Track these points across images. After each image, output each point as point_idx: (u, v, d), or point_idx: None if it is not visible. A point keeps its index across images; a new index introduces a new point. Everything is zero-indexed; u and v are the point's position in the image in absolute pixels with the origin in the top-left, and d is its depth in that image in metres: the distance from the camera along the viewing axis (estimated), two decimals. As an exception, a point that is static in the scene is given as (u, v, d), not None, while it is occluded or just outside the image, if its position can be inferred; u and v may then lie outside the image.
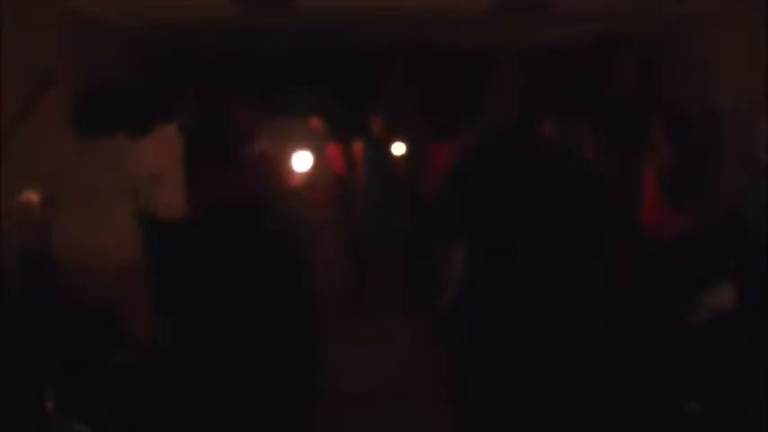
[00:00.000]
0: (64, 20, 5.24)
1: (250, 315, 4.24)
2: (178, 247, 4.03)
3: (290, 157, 5.18)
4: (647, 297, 3.38)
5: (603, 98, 6.87)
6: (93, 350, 3.06)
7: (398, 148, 5.58)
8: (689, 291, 3.34)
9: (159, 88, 5.68)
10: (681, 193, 3.75)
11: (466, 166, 3.00)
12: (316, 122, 5.81)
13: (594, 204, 3.05)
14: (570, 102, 6.27)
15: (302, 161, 5.14)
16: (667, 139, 3.98)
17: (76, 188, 3.38)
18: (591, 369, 2.99)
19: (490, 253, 2.85)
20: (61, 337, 3.06)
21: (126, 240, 3.45)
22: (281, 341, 4.26)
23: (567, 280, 2.84)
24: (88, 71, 5.50)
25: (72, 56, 5.34)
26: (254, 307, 4.29)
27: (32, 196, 3.88)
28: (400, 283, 5.88)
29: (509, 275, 2.81)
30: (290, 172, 5.11)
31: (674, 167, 3.81)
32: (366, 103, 6.09)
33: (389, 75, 7.51)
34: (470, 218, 2.89)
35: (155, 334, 3.47)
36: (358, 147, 5.78)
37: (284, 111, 5.72)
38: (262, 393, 3.70)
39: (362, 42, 7.10)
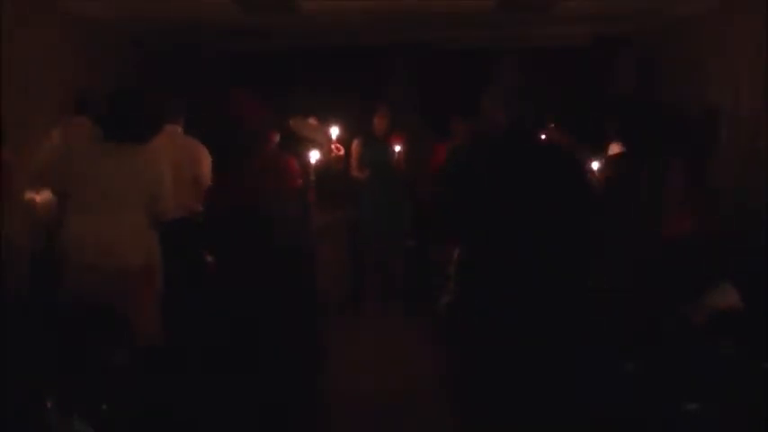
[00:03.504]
0: (64, 20, 5.24)
1: (251, 315, 4.25)
2: (184, 246, 4.04)
3: (292, 157, 5.19)
4: (647, 297, 3.38)
5: (605, 98, 6.87)
6: (94, 350, 3.06)
7: (398, 148, 5.58)
8: (690, 291, 3.35)
9: (167, 89, 5.68)
10: (682, 192, 3.75)
11: (458, 165, 3.00)
12: (316, 122, 5.82)
13: (593, 204, 3.05)
14: (570, 102, 6.28)
15: (304, 161, 5.15)
16: (672, 139, 3.97)
17: (87, 189, 3.37)
18: (591, 369, 3.00)
19: (489, 254, 2.85)
20: (62, 337, 3.06)
21: (138, 243, 3.44)
22: (282, 341, 4.26)
23: (566, 280, 2.84)
24: (88, 71, 5.51)
25: (72, 56, 5.35)
26: (254, 307, 4.30)
27: (36, 196, 3.89)
28: (400, 284, 5.88)
29: (508, 275, 2.81)
30: (292, 171, 5.12)
31: (675, 167, 3.80)
32: (366, 102, 6.09)
33: (390, 74, 7.51)
34: (469, 218, 2.89)
35: (157, 335, 3.47)
36: (356, 144, 5.78)
37: (285, 111, 5.73)
38: (262, 392, 3.70)
39: (363, 42, 7.10)
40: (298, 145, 5.32)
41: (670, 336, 3.20)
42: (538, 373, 2.78)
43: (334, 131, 5.46)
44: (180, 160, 4.29)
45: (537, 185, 2.81)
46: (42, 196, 3.92)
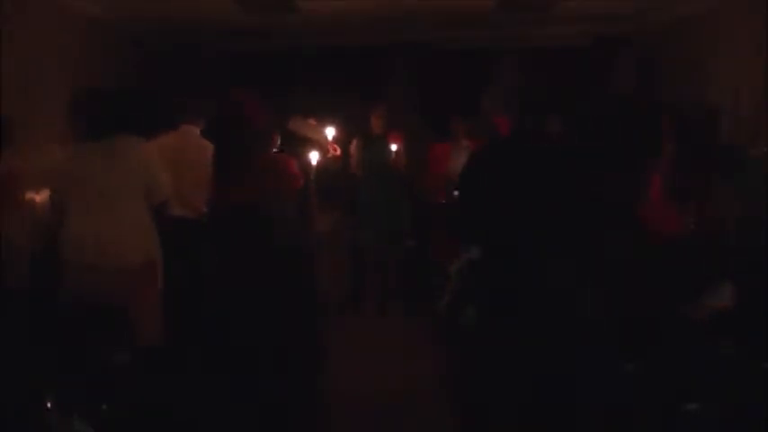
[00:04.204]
0: (64, 20, 5.24)
1: (251, 315, 4.25)
2: (186, 245, 4.04)
3: (292, 158, 5.19)
4: (647, 297, 3.38)
5: (605, 98, 6.87)
6: (94, 350, 3.06)
7: (397, 148, 5.58)
8: (690, 291, 3.35)
9: (170, 89, 5.68)
10: (682, 192, 3.75)
11: (478, 169, 2.99)
12: (315, 122, 5.82)
13: (594, 204, 3.06)
14: (570, 102, 6.27)
15: (304, 161, 5.15)
16: (672, 139, 3.98)
17: (87, 189, 3.37)
18: (591, 369, 3.00)
19: (499, 254, 2.85)
20: (62, 337, 3.06)
21: (138, 241, 3.44)
22: (282, 341, 4.26)
23: (569, 280, 2.84)
24: (88, 71, 5.51)
25: (72, 56, 5.35)
26: (254, 307, 4.30)
27: (36, 196, 3.89)
28: (400, 284, 5.88)
29: (511, 276, 2.81)
30: (292, 172, 5.12)
31: (676, 167, 3.81)
32: (366, 102, 6.08)
33: (390, 74, 7.50)
34: (478, 220, 2.89)
35: (158, 334, 3.47)
36: (355, 144, 5.78)
37: (285, 111, 5.73)
38: (262, 393, 3.70)
39: (363, 42, 7.10)
40: (297, 146, 5.32)
41: (670, 336, 3.20)
42: (538, 372, 2.78)
43: (330, 132, 5.46)
44: (193, 160, 4.30)
45: (538, 185, 2.81)
46: (42, 196, 3.91)
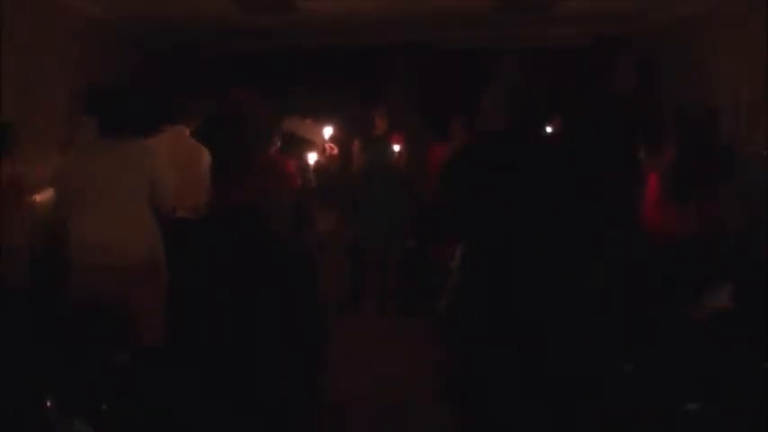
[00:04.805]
0: (64, 20, 5.24)
1: (251, 315, 4.25)
2: (186, 245, 4.04)
3: (289, 158, 5.19)
4: (647, 297, 3.38)
5: (605, 98, 6.87)
6: (94, 350, 3.06)
7: (398, 148, 5.58)
8: (690, 291, 3.35)
9: (169, 89, 5.69)
10: (682, 192, 3.75)
11: (459, 164, 3.00)
12: (311, 122, 5.82)
13: (594, 204, 3.05)
14: (570, 102, 6.28)
15: (302, 162, 5.16)
16: (672, 139, 3.99)
17: (90, 188, 3.37)
18: (590, 369, 2.99)
19: (489, 253, 2.85)
20: (62, 337, 3.06)
21: (140, 240, 3.44)
22: (282, 341, 4.26)
23: (567, 279, 2.84)
24: (88, 71, 5.51)
25: (72, 56, 5.35)
26: (255, 307, 4.30)
27: (37, 196, 3.90)
28: (400, 283, 5.87)
29: (508, 275, 2.81)
30: (291, 172, 5.12)
31: (676, 167, 3.81)
32: (366, 102, 6.09)
33: (389, 75, 7.50)
34: (469, 217, 2.89)
35: (159, 333, 3.48)
36: (356, 145, 5.78)
37: (285, 111, 5.73)
38: (262, 393, 3.70)
39: (363, 42, 7.10)
40: (295, 146, 5.32)
41: (670, 336, 3.20)
42: (538, 372, 2.77)
43: (328, 131, 5.46)
44: (186, 160, 4.31)
45: (537, 185, 2.81)
46: (42, 196, 3.92)
